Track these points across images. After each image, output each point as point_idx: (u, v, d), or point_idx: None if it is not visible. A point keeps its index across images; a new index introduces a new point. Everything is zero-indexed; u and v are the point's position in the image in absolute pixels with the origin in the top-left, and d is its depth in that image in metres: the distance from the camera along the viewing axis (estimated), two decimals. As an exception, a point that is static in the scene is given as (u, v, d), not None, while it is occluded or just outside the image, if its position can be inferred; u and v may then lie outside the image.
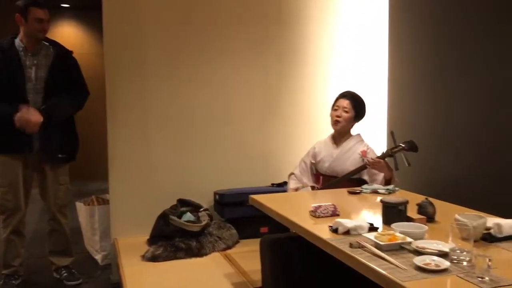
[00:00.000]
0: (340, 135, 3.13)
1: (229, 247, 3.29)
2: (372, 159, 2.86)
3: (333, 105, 3.15)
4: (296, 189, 3.18)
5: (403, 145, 2.80)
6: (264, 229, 3.48)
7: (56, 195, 3.40)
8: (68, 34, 7.47)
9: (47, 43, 3.30)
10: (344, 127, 3.09)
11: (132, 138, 3.52)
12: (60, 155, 3.34)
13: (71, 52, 3.42)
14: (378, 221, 2.04)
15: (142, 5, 3.49)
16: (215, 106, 3.71)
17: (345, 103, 3.08)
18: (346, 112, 3.06)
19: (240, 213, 3.46)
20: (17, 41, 3.22)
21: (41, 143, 3.25)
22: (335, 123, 3.09)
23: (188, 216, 3.30)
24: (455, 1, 3.28)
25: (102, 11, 3.39)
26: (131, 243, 3.35)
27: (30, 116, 3.10)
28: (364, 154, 3.01)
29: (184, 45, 3.60)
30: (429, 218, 2.00)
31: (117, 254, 3.26)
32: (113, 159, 3.50)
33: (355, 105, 3.08)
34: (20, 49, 3.21)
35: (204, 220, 3.32)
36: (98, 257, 3.83)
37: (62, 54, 3.34)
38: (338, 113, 3.08)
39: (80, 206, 4.05)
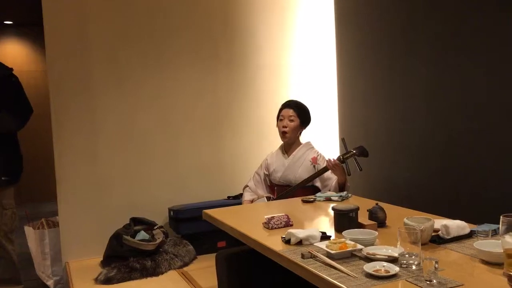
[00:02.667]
0: (290, 144, 3.15)
1: (186, 264, 3.22)
2: (333, 160, 2.88)
3: (278, 116, 3.18)
4: (252, 201, 3.16)
5: (354, 151, 2.85)
6: (221, 244, 3.43)
7: (1, 220, 3.23)
8: (12, 51, 7.21)
9: (-16, 62, 3.16)
10: (292, 137, 3.12)
11: (80, 157, 3.41)
12: (3, 178, 3.19)
13: (11, 69, 3.28)
14: (331, 229, 2.04)
15: (85, 20, 3.40)
16: (166, 120, 3.66)
17: (289, 112, 3.11)
18: (292, 121, 3.10)
19: (196, 229, 3.40)
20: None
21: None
22: (283, 135, 3.12)
23: (142, 234, 3.21)
24: (397, 10, 3.37)
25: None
26: (84, 266, 3.24)
27: None
28: (314, 160, 3.05)
29: (132, 59, 3.54)
30: (380, 223, 2.02)
31: (69, 278, 3.13)
32: (61, 179, 3.37)
33: (300, 113, 3.12)
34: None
35: (159, 238, 3.24)
36: (50, 283, 3.65)
37: (1, 73, 3.20)
38: (284, 123, 3.10)
39: (29, 230, 3.85)
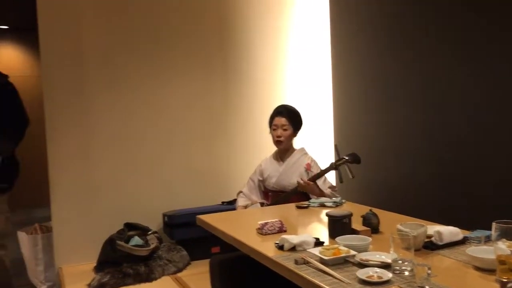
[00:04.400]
0: (284, 150, 3.16)
1: (179, 270, 3.20)
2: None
3: (271, 124, 3.18)
4: (245, 207, 3.16)
5: (347, 158, 2.85)
6: (215, 249, 3.42)
7: (-7, 225, 3.21)
8: (7, 56, 7.20)
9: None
10: (287, 144, 3.12)
11: (74, 162, 3.40)
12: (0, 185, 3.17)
13: (6, 76, 3.25)
14: (325, 235, 2.04)
15: (79, 25, 3.40)
16: (160, 125, 3.65)
17: (282, 120, 3.11)
18: (285, 130, 3.10)
19: (190, 234, 3.38)
20: None
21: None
22: (277, 143, 3.13)
23: (136, 240, 3.20)
24: (393, 13, 3.39)
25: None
26: (77, 272, 3.22)
27: None
28: (308, 167, 3.05)
29: (126, 65, 3.54)
30: (374, 229, 2.02)
31: (62, 284, 3.12)
32: (55, 184, 3.36)
33: (292, 121, 3.13)
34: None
35: (153, 243, 3.23)
36: (42, 288, 3.64)
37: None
38: (278, 133, 3.11)
39: (22, 235, 3.83)
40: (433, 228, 1.83)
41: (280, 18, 4.04)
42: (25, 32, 7.12)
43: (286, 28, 4.05)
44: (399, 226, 1.77)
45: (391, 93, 3.43)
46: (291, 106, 3.22)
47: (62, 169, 3.36)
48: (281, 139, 3.10)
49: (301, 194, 3.02)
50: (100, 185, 3.46)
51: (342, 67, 3.94)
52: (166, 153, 3.66)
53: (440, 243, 1.76)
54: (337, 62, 3.99)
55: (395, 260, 1.52)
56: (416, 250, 1.63)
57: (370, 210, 2.11)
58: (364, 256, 1.64)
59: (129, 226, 3.34)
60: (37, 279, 3.72)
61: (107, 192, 3.47)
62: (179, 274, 3.15)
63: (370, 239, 1.80)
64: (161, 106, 3.65)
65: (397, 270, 1.50)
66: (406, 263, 1.50)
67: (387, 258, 1.59)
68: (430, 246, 1.76)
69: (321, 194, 2.93)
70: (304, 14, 4.10)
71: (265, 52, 3.99)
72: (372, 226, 2.02)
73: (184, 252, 3.33)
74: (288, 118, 3.12)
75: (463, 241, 1.79)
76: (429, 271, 1.37)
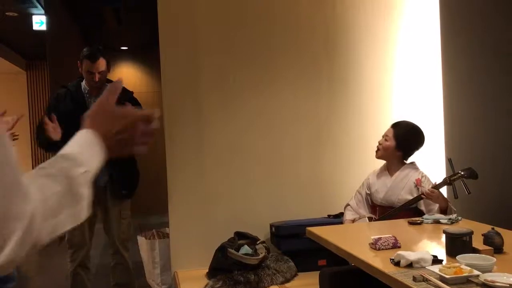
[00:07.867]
0: (391, 164, 3.09)
1: (287, 280, 3.25)
2: (428, 189, 2.80)
3: None
4: (353, 220, 3.14)
5: (462, 173, 2.73)
6: (322, 262, 3.43)
7: (119, 229, 3.54)
8: (127, 74, 7.90)
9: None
10: (384, 156, 3.07)
11: (190, 173, 3.60)
12: (124, 191, 3.50)
13: (131, 92, 3.60)
14: (441, 253, 1.98)
15: (195, 44, 3.63)
16: (267, 138, 3.75)
17: (389, 131, 3.07)
18: (386, 140, 3.04)
19: (297, 246, 3.43)
20: (83, 84, 3.44)
21: (107, 180, 3.41)
22: (376, 151, 3.07)
23: (246, 249, 3.32)
24: (509, 10, 3.20)
25: (158, 52, 3.56)
26: (191, 276, 3.39)
27: None
28: (418, 182, 2.95)
29: (236, 80, 3.69)
30: (497, 249, 1.92)
31: (177, 287, 3.31)
32: (173, 194, 3.59)
33: (397, 134, 3.02)
34: (86, 91, 3.42)
35: (262, 252, 3.32)
36: (159, 290, 3.90)
37: (124, 96, 3.52)
38: (380, 140, 3.06)
39: (141, 240, 4.15)
40: None
41: (388, 27, 3.93)
42: (141, 52, 7.78)
43: (394, 37, 3.95)
44: (527, 247, 1.67)
45: (509, 102, 3.22)
46: (407, 124, 3.11)
47: (179, 180, 3.58)
48: (378, 146, 3.06)
49: (410, 210, 2.94)
50: (213, 196, 3.63)
51: (455, 76, 3.77)
52: (274, 164, 3.75)
53: None
54: (449, 68, 3.82)
55: (525, 283, 1.45)
56: (548, 274, 1.53)
57: (492, 228, 2.01)
58: (489, 277, 1.57)
59: (239, 235, 3.46)
60: (154, 281, 4.00)
61: (220, 202, 3.64)
62: (287, 285, 3.21)
63: (494, 259, 1.73)
64: (269, 118, 3.74)
65: (528, 294, 1.42)
66: (538, 287, 1.42)
67: (515, 280, 1.52)
68: None
69: (446, 203, 2.80)
70: (413, 18, 3.97)
71: (373, 63, 3.92)
72: (495, 245, 1.93)
73: (291, 263, 3.38)
74: (394, 130, 3.05)
75: None
76: None
